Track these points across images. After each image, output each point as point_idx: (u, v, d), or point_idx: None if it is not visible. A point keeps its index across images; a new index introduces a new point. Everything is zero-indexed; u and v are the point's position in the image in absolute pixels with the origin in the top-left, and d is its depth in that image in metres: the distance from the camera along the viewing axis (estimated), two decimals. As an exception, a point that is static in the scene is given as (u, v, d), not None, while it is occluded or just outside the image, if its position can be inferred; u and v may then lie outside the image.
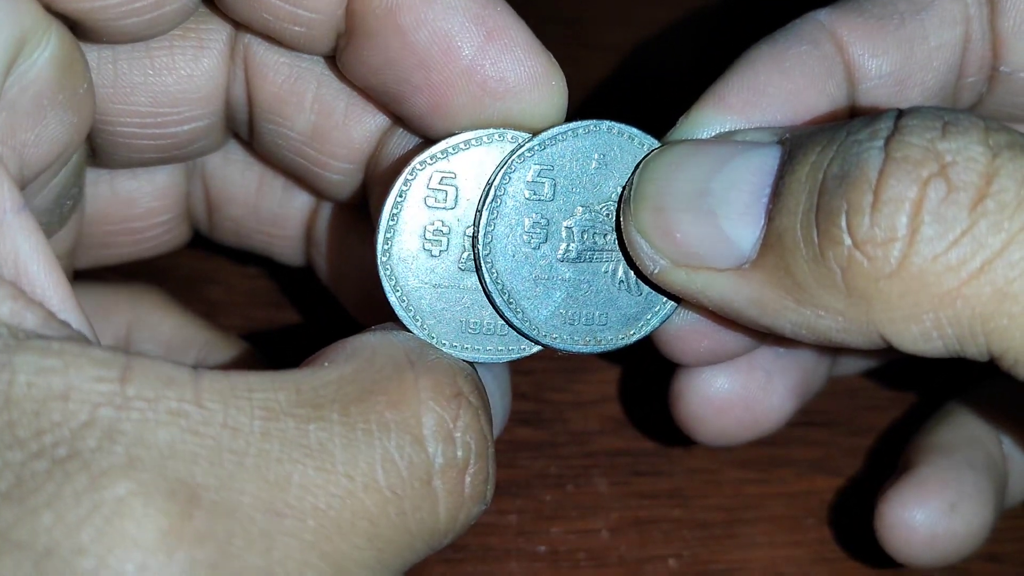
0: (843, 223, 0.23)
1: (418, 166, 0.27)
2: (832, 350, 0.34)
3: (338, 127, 0.30)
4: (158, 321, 0.35)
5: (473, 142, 0.27)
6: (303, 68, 0.29)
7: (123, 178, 0.33)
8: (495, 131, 0.27)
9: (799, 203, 0.24)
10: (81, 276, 0.34)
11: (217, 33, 0.29)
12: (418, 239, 0.27)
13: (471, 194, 0.27)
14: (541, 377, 0.39)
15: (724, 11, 0.46)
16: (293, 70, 0.29)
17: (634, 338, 0.28)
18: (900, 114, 0.24)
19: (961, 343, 0.24)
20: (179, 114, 0.30)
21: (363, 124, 0.30)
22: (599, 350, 0.28)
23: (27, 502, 0.20)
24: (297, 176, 0.32)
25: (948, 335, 0.24)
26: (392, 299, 0.27)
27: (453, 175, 0.27)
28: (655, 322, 0.28)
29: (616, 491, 0.38)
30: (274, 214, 0.34)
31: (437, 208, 0.27)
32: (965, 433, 0.35)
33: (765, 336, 0.29)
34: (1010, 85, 0.30)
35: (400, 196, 0.27)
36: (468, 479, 0.24)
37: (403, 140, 0.29)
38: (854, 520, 0.38)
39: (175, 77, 0.29)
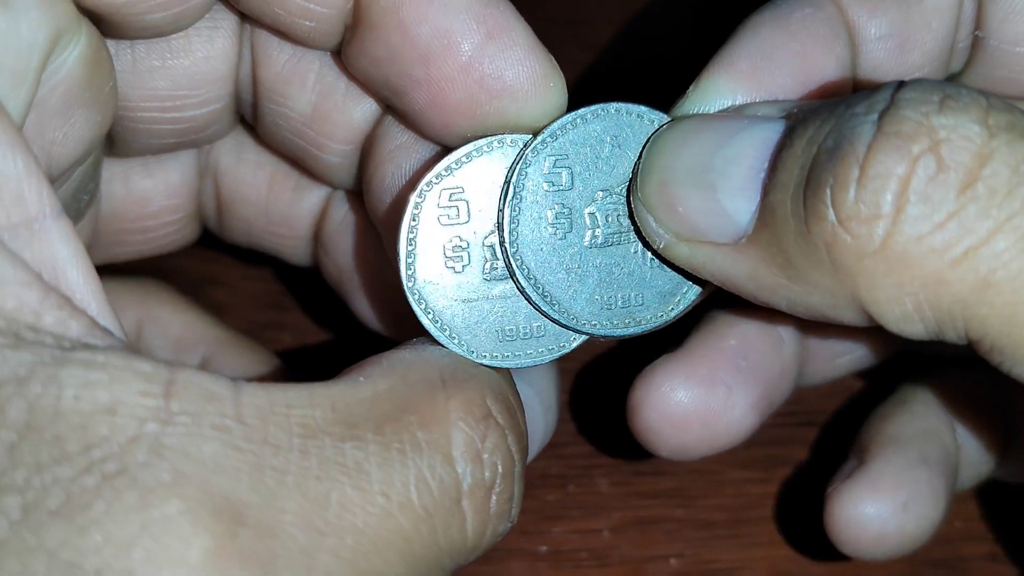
0: (828, 198, 0.23)
1: (425, 187, 0.27)
2: (815, 340, 0.34)
3: (338, 108, 0.30)
4: (168, 317, 0.35)
5: (475, 153, 0.27)
6: (307, 48, 0.29)
7: (137, 177, 0.33)
8: (494, 139, 0.27)
9: (792, 177, 0.24)
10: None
11: (227, 12, 0.29)
12: (439, 258, 0.27)
13: (482, 204, 0.27)
14: (542, 378, 0.39)
15: (726, 10, 0.46)
16: (297, 49, 0.29)
17: (673, 313, 0.28)
18: (900, 86, 0.24)
19: (940, 326, 0.23)
20: (198, 96, 0.30)
21: (363, 106, 0.30)
22: (641, 331, 0.28)
23: (76, 520, 0.19)
24: (296, 159, 0.32)
25: (928, 318, 0.23)
26: (425, 322, 0.27)
27: (461, 190, 0.27)
28: (691, 295, 0.28)
29: (618, 491, 0.38)
30: (284, 215, 0.34)
31: (452, 224, 0.27)
32: (920, 424, 0.34)
33: (773, 314, 0.28)
34: (986, 53, 0.29)
35: (414, 220, 0.27)
36: (494, 498, 0.24)
37: (400, 126, 0.29)
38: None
39: (192, 59, 0.29)
